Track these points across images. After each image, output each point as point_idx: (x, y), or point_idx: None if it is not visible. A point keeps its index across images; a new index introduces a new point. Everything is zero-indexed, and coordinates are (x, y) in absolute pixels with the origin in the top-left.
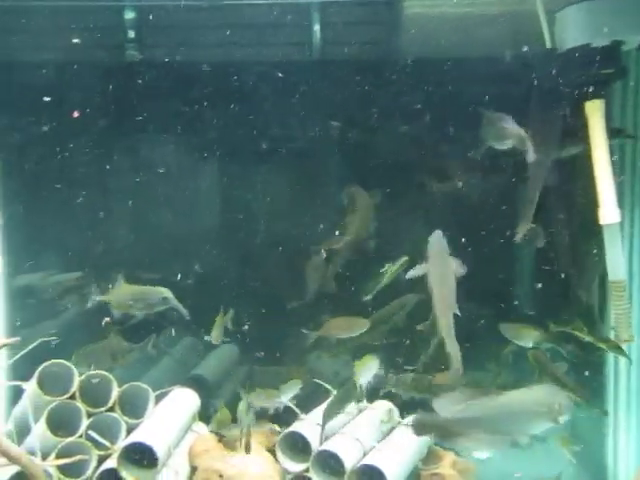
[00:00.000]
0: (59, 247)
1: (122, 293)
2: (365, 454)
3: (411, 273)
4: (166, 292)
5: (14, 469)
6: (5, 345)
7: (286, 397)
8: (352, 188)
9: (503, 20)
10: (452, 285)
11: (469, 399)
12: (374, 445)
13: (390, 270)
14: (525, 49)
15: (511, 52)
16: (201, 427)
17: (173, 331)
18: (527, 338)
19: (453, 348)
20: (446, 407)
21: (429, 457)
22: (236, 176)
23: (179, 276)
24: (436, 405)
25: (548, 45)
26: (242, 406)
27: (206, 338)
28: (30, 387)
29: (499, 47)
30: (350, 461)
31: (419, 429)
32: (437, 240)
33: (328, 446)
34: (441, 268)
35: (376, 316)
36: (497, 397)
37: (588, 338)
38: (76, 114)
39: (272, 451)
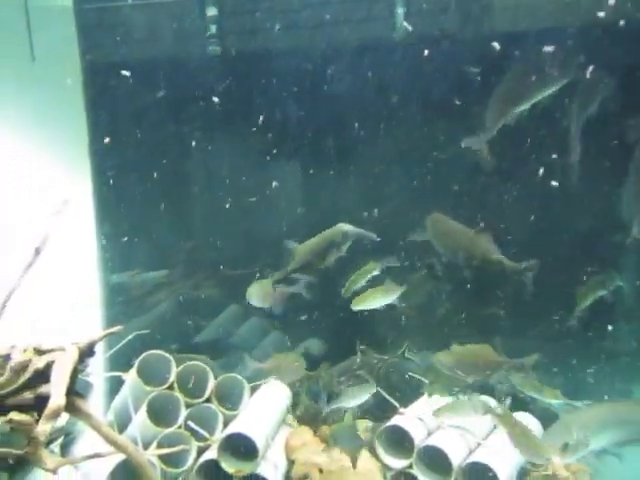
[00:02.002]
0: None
1: (303, 248)
2: (471, 451)
3: None
4: (344, 226)
5: (119, 457)
6: (109, 334)
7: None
8: None
9: None
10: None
11: None
12: (479, 442)
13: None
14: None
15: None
16: (294, 421)
17: None
18: None
19: None
20: None
21: None
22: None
23: None
24: None
25: None
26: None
27: None
28: (130, 377)
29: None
30: (457, 458)
31: None
32: None
33: (433, 442)
34: None
35: None
36: None
37: None
38: None
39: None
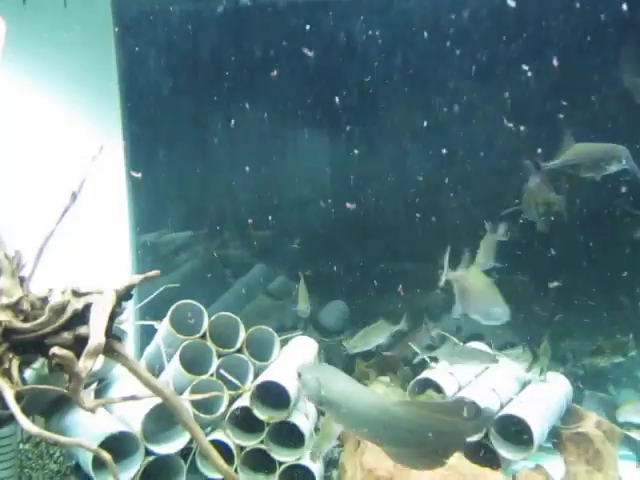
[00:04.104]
0: None
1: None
2: (502, 406)
3: None
4: (624, 151)
5: (155, 401)
6: (147, 278)
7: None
8: None
9: None
10: None
11: None
12: (511, 397)
13: None
14: None
15: None
16: None
17: None
18: None
19: None
20: None
21: (569, 417)
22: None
23: None
24: None
25: None
26: None
27: None
28: (163, 326)
29: None
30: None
31: None
32: None
33: (464, 394)
34: None
35: None
36: None
37: None
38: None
39: None
